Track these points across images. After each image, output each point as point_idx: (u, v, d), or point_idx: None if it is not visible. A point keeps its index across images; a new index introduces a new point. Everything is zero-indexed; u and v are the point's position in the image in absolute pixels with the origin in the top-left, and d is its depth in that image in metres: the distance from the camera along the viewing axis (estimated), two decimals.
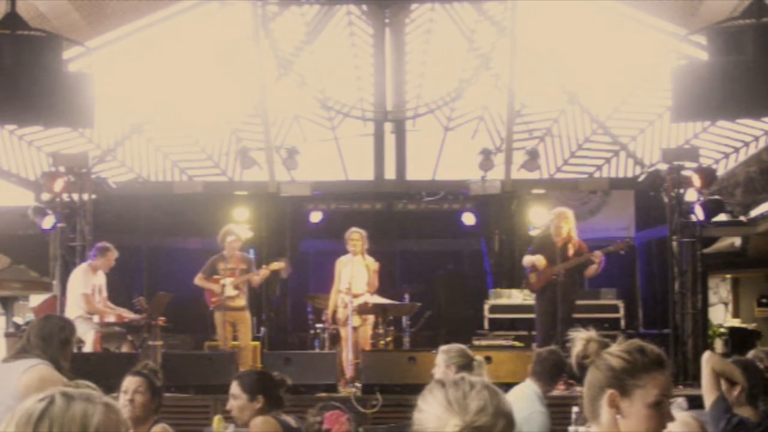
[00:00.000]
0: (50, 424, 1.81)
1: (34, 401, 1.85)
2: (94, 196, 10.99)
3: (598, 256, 9.55)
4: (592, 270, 9.60)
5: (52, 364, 4.38)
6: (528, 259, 9.83)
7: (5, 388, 4.16)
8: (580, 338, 2.62)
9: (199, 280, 10.37)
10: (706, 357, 4.91)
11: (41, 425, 1.81)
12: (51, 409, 1.83)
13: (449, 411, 1.88)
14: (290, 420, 4.67)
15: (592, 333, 2.62)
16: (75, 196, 10.84)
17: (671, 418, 2.48)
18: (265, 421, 4.47)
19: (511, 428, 1.91)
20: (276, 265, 10.55)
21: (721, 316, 15.06)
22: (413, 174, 12.59)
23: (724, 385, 4.84)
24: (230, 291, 10.16)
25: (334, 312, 10.31)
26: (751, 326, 14.02)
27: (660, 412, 2.43)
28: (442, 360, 5.42)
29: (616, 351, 2.50)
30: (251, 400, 4.58)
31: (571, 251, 9.61)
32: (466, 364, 5.37)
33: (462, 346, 5.69)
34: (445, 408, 1.89)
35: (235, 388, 4.65)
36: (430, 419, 1.91)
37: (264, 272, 10.38)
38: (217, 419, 4.95)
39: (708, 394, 4.84)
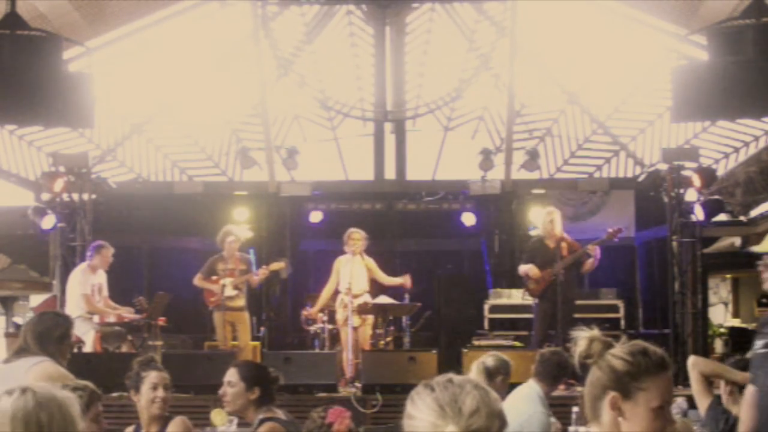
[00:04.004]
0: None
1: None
2: (94, 196, 10.98)
3: (593, 248, 9.55)
4: (588, 265, 9.60)
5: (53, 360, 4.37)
6: (522, 269, 9.87)
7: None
8: (583, 337, 2.55)
9: (197, 280, 10.37)
10: (692, 362, 4.90)
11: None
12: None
13: (443, 417, 1.79)
14: (282, 415, 4.66)
15: (595, 332, 2.56)
16: (75, 196, 10.83)
17: (673, 421, 2.46)
18: (271, 428, 4.46)
19: (505, 427, 1.84)
20: (276, 266, 10.56)
21: (721, 316, 15.05)
22: (413, 174, 12.58)
23: (723, 386, 4.83)
24: (230, 291, 10.16)
25: (321, 309, 10.33)
26: (751, 326, 13.98)
27: (662, 415, 2.40)
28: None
29: (619, 353, 2.45)
30: (247, 390, 4.59)
31: (565, 250, 9.62)
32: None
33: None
34: (437, 413, 1.80)
35: (233, 375, 4.64)
36: (423, 426, 1.82)
37: (263, 272, 10.39)
38: (215, 412, 4.94)
39: (701, 398, 4.84)
